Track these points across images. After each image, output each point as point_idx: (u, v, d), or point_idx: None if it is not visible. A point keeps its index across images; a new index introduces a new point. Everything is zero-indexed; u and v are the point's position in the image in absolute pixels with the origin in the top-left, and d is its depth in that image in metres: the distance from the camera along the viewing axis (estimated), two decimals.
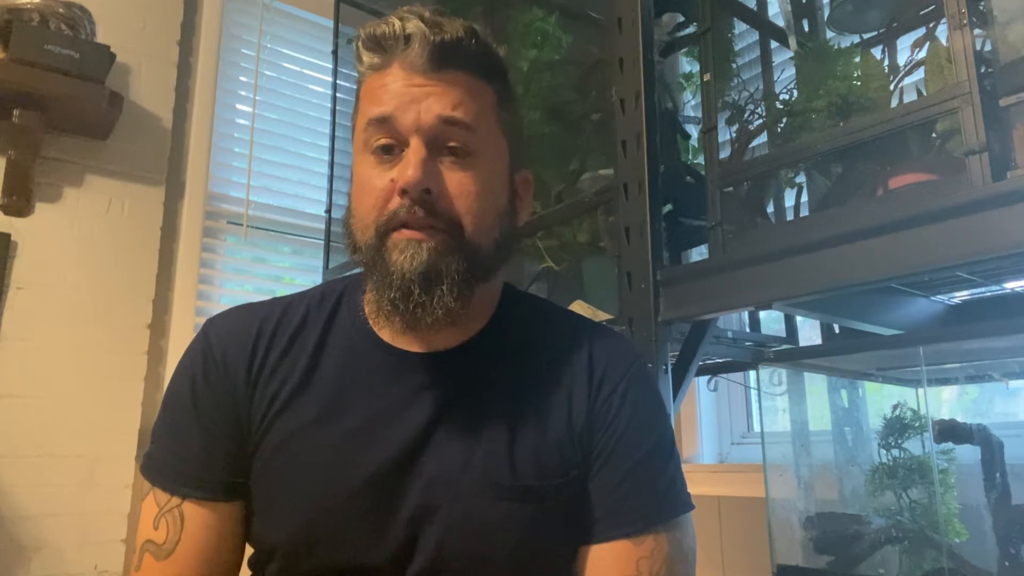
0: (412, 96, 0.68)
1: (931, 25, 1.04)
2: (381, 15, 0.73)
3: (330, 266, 1.82)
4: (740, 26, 1.44)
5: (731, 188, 1.07)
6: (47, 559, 1.59)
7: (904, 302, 1.15)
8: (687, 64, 1.50)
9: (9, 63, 1.57)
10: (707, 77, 1.08)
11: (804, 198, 1.18)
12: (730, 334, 1.25)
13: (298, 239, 2.20)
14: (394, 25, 0.69)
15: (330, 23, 2.04)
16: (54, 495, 1.62)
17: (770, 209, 1.20)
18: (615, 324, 1.11)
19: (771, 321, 1.44)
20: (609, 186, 1.14)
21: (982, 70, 0.78)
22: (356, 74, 0.74)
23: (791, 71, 1.16)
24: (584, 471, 0.72)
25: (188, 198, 1.98)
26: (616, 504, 0.71)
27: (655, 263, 1.04)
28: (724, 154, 1.13)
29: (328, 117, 1.98)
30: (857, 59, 1.07)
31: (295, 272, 2.21)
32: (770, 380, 1.16)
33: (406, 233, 0.67)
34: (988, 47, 0.83)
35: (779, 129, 1.10)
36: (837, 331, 1.30)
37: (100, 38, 1.75)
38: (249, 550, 0.75)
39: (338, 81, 1.95)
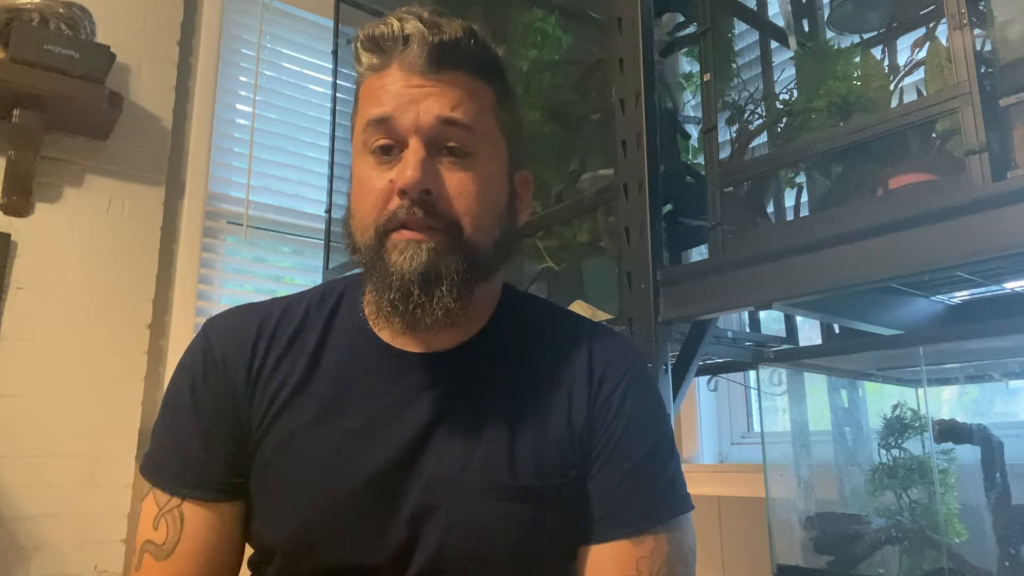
0: (411, 97, 0.68)
1: (931, 25, 1.04)
2: (381, 15, 0.73)
3: (330, 266, 1.82)
4: (740, 26, 1.43)
5: (731, 188, 1.07)
6: (47, 559, 1.59)
7: (904, 302, 1.15)
8: (687, 64, 1.50)
9: (9, 63, 1.57)
10: (707, 77, 1.08)
11: (804, 198, 1.18)
12: (730, 334, 1.25)
13: (298, 239, 2.20)
14: (393, 26, 0.68)
15: (330, 23, 2.04)
16: (54, 495, 1.62)
17: (770, 209, 1.20)
18: (615, 324, 1.11)
19: (771, 321, 1.44)
20: (609, 186, 1.14)
21: (982, 70, 0.78)
22: (356, 74, 0.74)
23: (791, 71, 1.16)
24: (584, 471, 0.72)
25: (188, 198, 1.98)
26: (616, 504, 0.71)
27: (655, 263, 1.04)
28: (724, 154, 1.13)
29: (328, 117, 1.98)
30: (857, 59, 1.07)
31: (295, 272, 2.21)
32: (770, 380, 1.16)
33: (405, 234, 0.67)
34: (988, 47, 0.83)
35: (779, 129, 1.10)
36: (837, 331, 1.30)
37: (100, 38, 1.75)
38: (249, 550, 0.75)
39: (338, 81, 1.95)
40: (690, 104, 1.49)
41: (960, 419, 1.00)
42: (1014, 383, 1.20)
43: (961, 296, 1.19)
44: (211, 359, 0.74)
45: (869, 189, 0.97)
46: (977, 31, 0.81)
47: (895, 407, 1.09)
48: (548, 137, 1.42)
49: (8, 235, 1.66)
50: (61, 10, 1.65)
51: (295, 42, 2.30)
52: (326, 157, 1.94)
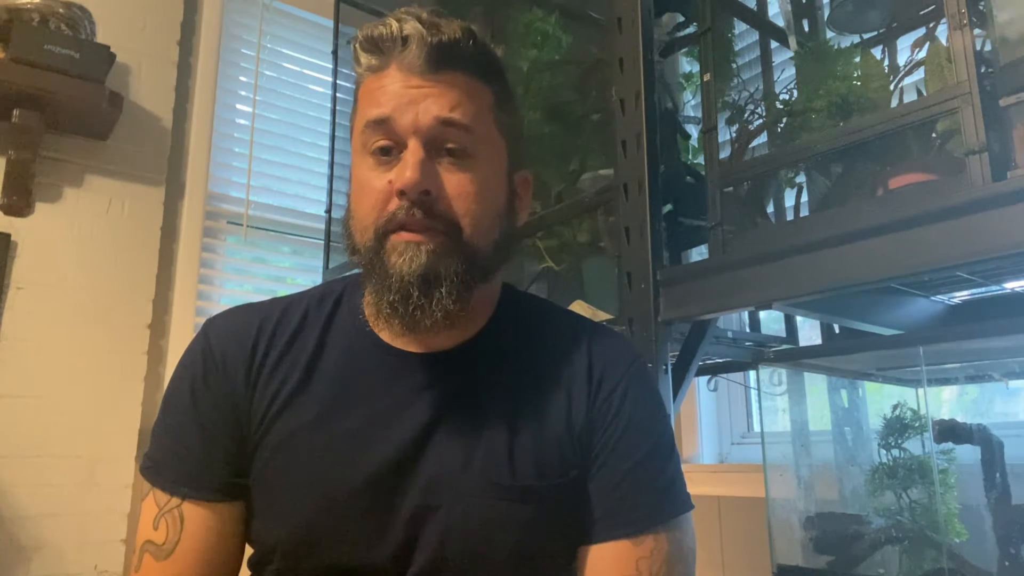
0: (410, 97, 0.68)
1: (931, 25, 1.04)
2: (381, 15, 0.73)
3: (330, 266, 1.82)
4: (740, 26, 1.44)
5: (731, 188, 1.07)
6: (47, 559, 1.59)
7: (904, 302, 1.15)
8: (687, 64, 1.50)
9: (9, 63, 1.57)
10: (707, 77, 1.08)
11: (804, 198, 1.18)
12: (730, 334, 1.25)
13: (298, 239, 2.20)
14: (391, 26, 0.68)
15: (330, 23, 2.04)
16: (54, 495, 1.62)
17: (770, 209, 1.20)
18: (615, 324, 1.11)
19: (771, 321, 1.44)
20: (609, 186, 1.14)
21: (982, 70, 0.78)
22: (355, 75, 0.74)
23: (791, 71, 1.16)
24: (584, 471, 0.72)
25: (188, 198, 1.98)
26: (616, 504, 0.71)
27: (655, 263, 1.04)
28: (724, 154, 1.13)
29: (328, 117, 1.98)
30: (857, 59, 1.07)
31: (295, 272, 2.21)
32: (770, 380, 1.16)
33: (405, 235, 0.67)
34: (988, 47, 0.83)
35: (779, 129, 1.10)
36: (837, 331, 1.30)
37: (100, 38, 1.75)
38: (249, 550, 0.75)
39: (338, 81, 1.95)
40: (690, 104, 1.49)
41: (960, 419, 1.00)
42: (1014, 383, 1.20)
43: (961, 296, 1.19)
44: (211, 359, 0.74)
45: (869, 189, 0.97)
46: (977, 31, 0.81)
47: (895, 407, 1.09)
48: (548, 137, 1.42)
49: (8, 235, 1.66)
50: (61, 10, 1.65)
51: (295, 42, 2.29)
52: (326, 157, 1.94)
